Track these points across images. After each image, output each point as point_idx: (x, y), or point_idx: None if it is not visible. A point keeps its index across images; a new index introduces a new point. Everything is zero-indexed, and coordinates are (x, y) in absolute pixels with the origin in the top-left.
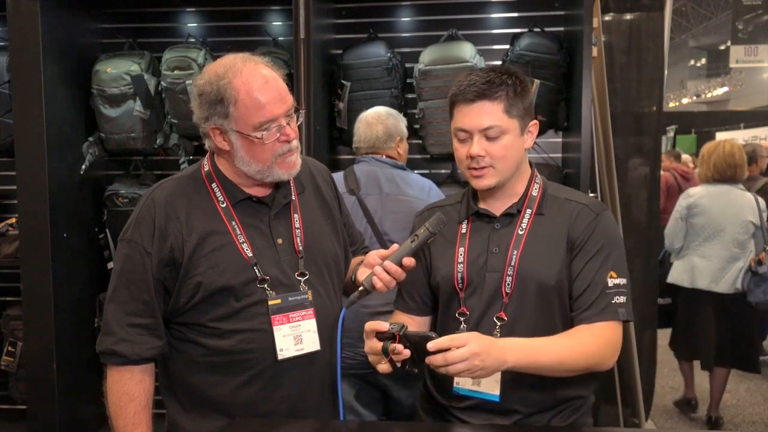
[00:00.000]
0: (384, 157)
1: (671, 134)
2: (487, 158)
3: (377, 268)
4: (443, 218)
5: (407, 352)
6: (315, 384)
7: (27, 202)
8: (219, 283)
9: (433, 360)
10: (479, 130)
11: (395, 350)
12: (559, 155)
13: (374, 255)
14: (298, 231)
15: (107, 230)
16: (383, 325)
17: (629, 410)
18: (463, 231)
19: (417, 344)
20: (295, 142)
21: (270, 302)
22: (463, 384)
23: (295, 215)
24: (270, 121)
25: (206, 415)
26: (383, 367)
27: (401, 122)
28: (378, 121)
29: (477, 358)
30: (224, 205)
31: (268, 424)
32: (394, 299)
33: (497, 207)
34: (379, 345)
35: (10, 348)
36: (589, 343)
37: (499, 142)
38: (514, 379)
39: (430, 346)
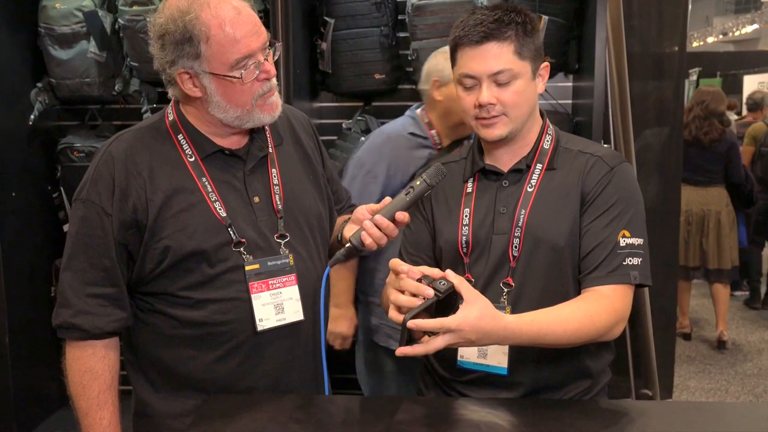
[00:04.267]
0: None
1: (694, 77)
2: (498, 106)
3: (367, 222)
4: (443, 169)
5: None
6: (299, 357)
7: None
8: (189, 247)
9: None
10: (488, 75)
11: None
12: (569, 101)
13: (363, 210)
14: (276, 188)
15: (61, 188)
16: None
17: (642, 381)
18: (469, 190)
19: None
20: (275, 80)
21: (247, 267)
22: (467, 357)
23: (273, 170)
24: (247, 57)
25: (179, 394)
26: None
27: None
28: None
29: (465, 342)
30: (192, 159)
31: (247, 401)
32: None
33: (506, 161)
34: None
35: None
36: (597, 314)
37: (510, 87)
38: (522, 351)
39: (410, 325)
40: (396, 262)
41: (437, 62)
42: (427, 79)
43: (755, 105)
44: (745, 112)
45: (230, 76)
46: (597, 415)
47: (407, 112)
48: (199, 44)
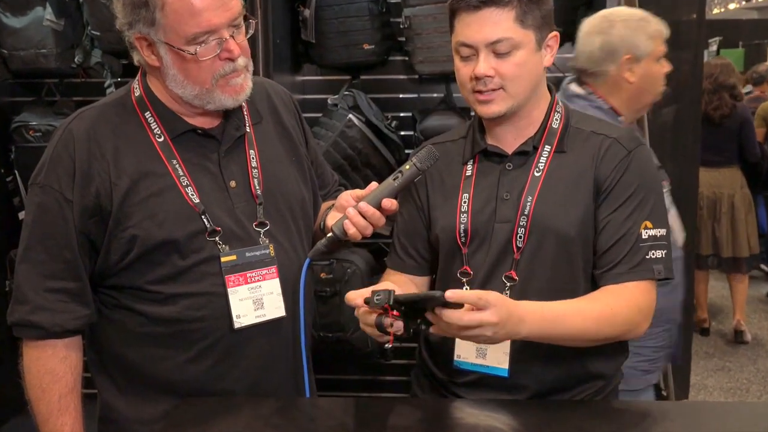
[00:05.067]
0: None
1: (714, 48)
2: (496, 79)
3: (350, 210)
4: (435, 153)
5: (400, 324)
6: (279, 356)
7: None
8: (159, 237)
9: (443, 316)
10: (486, 45)
11: (392, 325)
12: None
13: (348, 195)
14: (255, 171)
15: (16, 172)
16: (365, 293)
17: None
18: (468, 173)
19: (413, 306)
20: (242, 61)
21: (223, 259)
22: (465, 357)
23: (251, 151)
24: (207, 33)
25: (148, 397)
26: (386, 338)
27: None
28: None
29: (490, 329)
30: (162, 140)
31: (222, 405)
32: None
33: (509, 142)
34: (372, 318)
35: None
36: (618, 307)
37: (510, 58)
38: (525, 351)
39: (449, 295)
40: (350, 298)
41: (627, 33)
42: (611, 55)
43: (760, 78)
44: None
45: (185, 51)
46: (607, 416)
47: (580, 98)
48: (155, 10)
